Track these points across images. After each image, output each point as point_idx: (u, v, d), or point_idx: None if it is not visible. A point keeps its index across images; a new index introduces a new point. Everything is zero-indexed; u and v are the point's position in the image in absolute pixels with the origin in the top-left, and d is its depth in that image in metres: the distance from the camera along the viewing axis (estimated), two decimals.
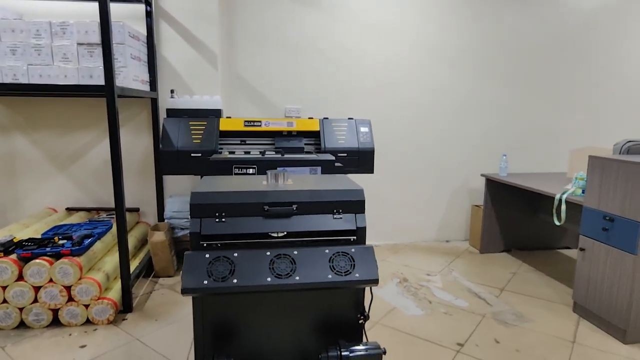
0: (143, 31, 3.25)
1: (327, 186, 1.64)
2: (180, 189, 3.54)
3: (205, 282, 1.40)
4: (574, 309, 2.79)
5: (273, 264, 1.46)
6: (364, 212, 1.61)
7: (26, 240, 2.51)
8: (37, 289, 2.42)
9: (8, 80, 2.66)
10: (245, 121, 3.08)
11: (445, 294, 3.03)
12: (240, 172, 2.61)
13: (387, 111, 3.98)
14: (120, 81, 2.76)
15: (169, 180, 3.53)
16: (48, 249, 2.44)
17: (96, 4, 3.13)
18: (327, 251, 1.51)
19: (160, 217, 3.52)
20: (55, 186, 3.44)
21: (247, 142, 3.11)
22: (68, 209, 3.44)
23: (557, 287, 3.17)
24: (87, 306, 2.50)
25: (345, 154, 3.07)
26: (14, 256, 2.41)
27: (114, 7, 3.20)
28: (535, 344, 2.39)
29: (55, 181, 3.44)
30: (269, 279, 1.43)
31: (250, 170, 2.61)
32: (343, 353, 1.52)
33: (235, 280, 1.41)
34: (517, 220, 3.94)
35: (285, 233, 1.54)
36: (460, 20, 3.94)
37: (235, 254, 1.46)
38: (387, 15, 3.83)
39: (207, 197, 1.51)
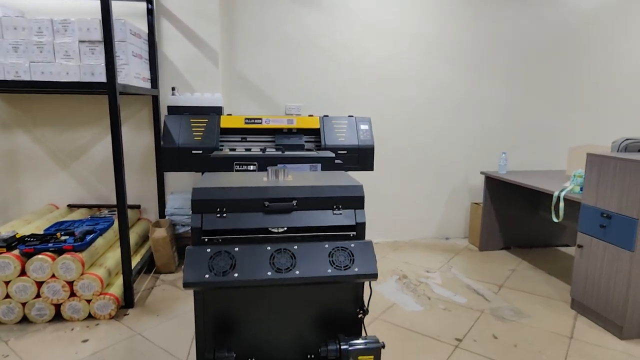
0: (144, 29, 3.27)
1: (326, 182, 1.66)
2: (181, 185, 3.56)
3: (207, 276, 1.42)
4: (571, 306, 2.82)
5: (273, 259, 1.48)
6: (363, 208, 1.63)
7: (29, 236, 2.54)
8: (39, 284, 2.44)
9: (10, 77, 2.68)
10: (246, 118, 3.09)
11: (445, 290, 3.06)
12: (241, 169, 2.63)
13: (387, 109, 4.00)
14: (122, 78, 2.78)
15: (170, 177, 3.55)
16: (50, 245, 2.47)
17: (98, 2, 3.15)
18: (326, 246, 1.53)
19: (162, 214, 3.54)
20: (57, 183, 3.47)
21: (248, 139, 3.13)
22: (70, 206, 3.47)
23: (555, 284, 3.19)
24: (89, 301, 2.52)
25: (346, 152, 3.08)
26: (16, 252, 2.44)
27: (115, 5, 3.21)
28: (532, 340, 2.42)
29: (57, 178, 3.46)
30: (269, 274, 1.45)
31: (251, 167, 2.63)
32: (342, 347, 1.54)
33: (236, 275, 1.43)
34: (516, 218, 3.96)
35: (286, 228, 1.56)
36: (459, 19, 3.96)
37: (236, 249, 1.48)
38: (387, 14, 3.85)
39: (209, 192, 1.53)
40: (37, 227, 2.85)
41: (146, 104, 3.44)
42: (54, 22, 2.69)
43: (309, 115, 3.30)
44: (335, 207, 1.60)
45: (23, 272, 2.43)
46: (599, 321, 2.59)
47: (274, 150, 2.97)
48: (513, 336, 2.45)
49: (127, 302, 2.69)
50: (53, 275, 2.44)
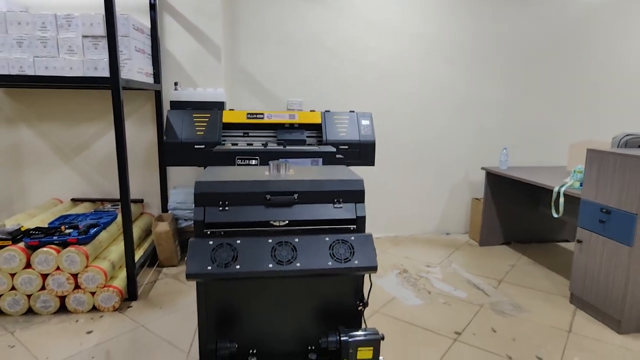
0: (147, 24, 3.28)
1: (327, 176, 1.68)
2: (184, 180, 3.59)
3: (209, 267, 1.44)
4: (570, 300, 2.84)
5: (275, 251, 1.50)
6: (363, 202, 1.65)
7: (33, 229, 2.57)
8: (44, 276, 2.48)
9: (15, 72, 2.70)
10: (248, 114, 3.11)
11: (445, 285, 3.08)
12: (242, 163, 2.66)
13: (388, 105, 4.01)
14: (125, 73, 2.80)
15: (173, 172, 3.58)
16: (55, 238, 2.50)
17: None
18: (327, 239, 1.55)
19: (164, 208, 3.57)
20: (61, 177, 3.50)
21: (250, 134, 3.15)
22: (73, 200, 3.50)
23: (555, 279, 3.21)
24: (93, 294, 2.56)
25: (347, 147, 3.10)
26: (21, 244, 2.47)
27: (118, 0, 3.23)
28: (531, 334, 2.44)
29: (60, 172, 3.49)
30: (270, 266, 1.47)
31: (253, 162, 2.66)
32: (342, 338, 1.56)
33: (238, 266, 1.46)
34: (517, 213, 3.97)
35: (287, 222, 1.58)
36: (460, 17, 3.96)
37: (238, 241, 1.51)
38: (389, 12, 3.85)
39: (211, 186, 1.56)
40: (42, 220, 2.89)
41: (149, 99, 3.46)
42: (57, 17, 2.71)
43: (311, 111, 3.31)
44: (336, 200, 1.62)
45: (28, 265, 2.46)
46: (597, 316, 2.61)
47: (276, 145, 2.99)
48: (512, 330, 2.48)
49: (131, 294, 2.73)
50: (58, 268, 2.48)
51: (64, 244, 2.51)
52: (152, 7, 3.27)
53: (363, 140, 3.12)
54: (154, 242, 3.26)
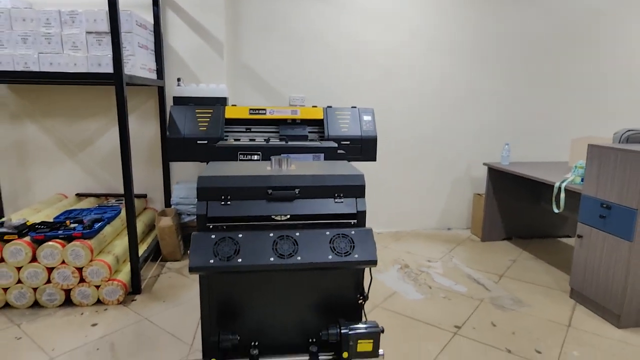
0: (150, 20, 3.30)
1: (328, 171, 1.70)
2: (187, 175, 3.62)
3: (212, 261, 1.47)
4: (570, 295, 2.85)
5: (276, 245, 1.53)
6: (364, 196, 1.67)
7: (39, 224, 2.61)
8: (50, 270, 2.52)
9: (20, 68, 2.73)
10: (251, 109, 3.13)
11: (445, 279, 3.10)
12: (245, 158, 2.68)
13: (390, 100, 4.02)
14: (128, 69, 2.82)
15: (176, 167, 3.61)
16: (60, 232, 2.53)
17: None
18: (327, 233, 1.57)
19: (168, 203, 3.60)
20: (66, 173, 3.53)
21: (252, 129, 3.17)
22: (78, 195, 3.53)
23: (555, 274, 3.23)
24: (97, 287, 2.59)
25: (349, 142, 3.12)
26: (27, 238, 2.50)
27: None
28: (531, 328, 2.46)
29: (65, 168, 3.52)
30: (272, 259, 1.50)
31: (255, 157, 2.68)
32: (343, 331, 1.59)
33: (239, 260, 1.48)
34: (518, 209, 3.98)
35: (288, 216, 1.60)
36: (462, 11, 3.95)
37: (240, 235, 1.53)
38: (390, 7, 3.85)
39: (214, 180, 1.58)
40: (47, 215, 2.92)
41: (152, 94, 3.48)
42: (61, 14, 2.73)
43: (313, 106, 3.33)
44: (336, 195, 1.64)
45: (34, 259, 2.50)
46: (597, 310, 2.63)
47: (278, 140, 3.01)
48: (511, 324, 2.50)
49: (135, 288, 2.76)
50: (63, 262, 2.51)
51: (69, 238, 2.54)
52: (155, 3, 3.29)
53: (365, 135, 3.13)
54: (157, 236, 3.29)
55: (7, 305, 2.56)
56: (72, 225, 2.63)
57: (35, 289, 2.53)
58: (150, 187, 3.63)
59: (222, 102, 3.24)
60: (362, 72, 3.93)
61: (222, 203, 1.58)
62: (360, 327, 1.61)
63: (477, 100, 4.14)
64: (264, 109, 3.14)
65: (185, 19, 3.40)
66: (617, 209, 2.41)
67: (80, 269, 2.54)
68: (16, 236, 2.49)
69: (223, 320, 1.64)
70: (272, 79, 3.83)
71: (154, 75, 3.30)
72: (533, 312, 2.64)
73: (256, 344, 1.67)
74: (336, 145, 2.74)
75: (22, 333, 2.30)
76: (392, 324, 2.48)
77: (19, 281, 2.50)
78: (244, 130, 3.16)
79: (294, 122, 3.21)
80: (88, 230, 2.57)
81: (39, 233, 2.51)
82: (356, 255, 1.54)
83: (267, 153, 2.69)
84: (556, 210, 2.96)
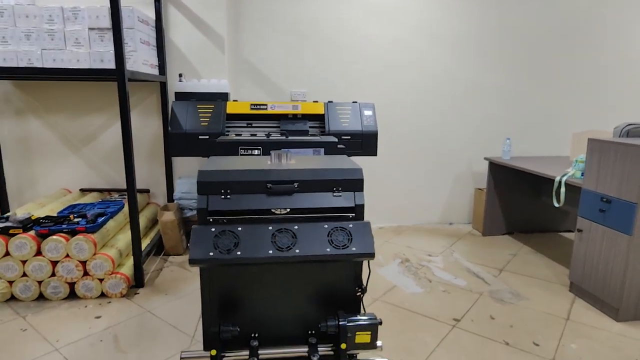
0: (152, 16, 3.32)
1: (327, 165, 1.71)
2: (189, 170, 3.65)
3: (212, 253, 1.49)
4: (570, 289, 2.87)
5: (275, 238, 1.55)
6: (362, 190, 1.68)
7: (43, 218, 2.64)
8: (54, 263, 2.56)
9: (23, 64, 2.76)
10: (252, 104, 3.15)
11: (445, 273, 3.12)
12: (246, 153, 2.70)
13: (391, 95, 4.02)
14: (131, 65, 2.84)
15: (178, 162, 3.64)
16: (64, 226, 2.57)
17: None
18: (325, 226, 1.59)
19: (170, 198, 3.64)
20: (69, 168, 3.57)
21: (253, 124, 3.19)
22: (82, 190, 3.57)
23: (555, 269, 3.24)
24: (101, 280, 2.63)
25: (349, 137, 3.13)
26: (32, 232, 2.54)
27: None
28: (529, 320, 2.48)
29: (69, 163, 3.56)
30: (270, 252, 1.52)
31: (256, 152, 2.70)
32: (341, 323, 1.61)
33: (239, 253, 1.51)
34: (519, 203, 3.99)
35: (288, 210, 1.63)
36: (464, 5, 3.94)
37: (240, 228, 1.55)
38: (392, 0, 3.86)
39: (214, 175, 1.60)
40: (51, 209, 2.96)
41: (154, 90, 3.50)
42: (64, 10, 2.75)
43: (314, 101, 3.34)
44: (335, 189, 1.66)
45: (39, 252, 2.54)
46: (595, 304, 2.64)
47: (279, 135, 3.03)
48: (510, 317, 2.52)
49: (138, 281, 2.80)
50: (67, 255, 2.55)
51: (73, 232, 2.58)
52: None
53: (365, 130, 3.15)
54: (159, 231, 3.33)
55: (12, 297, 2.60)
56: (76, 220, 2.67)
57: (40, 282, 2.57)
58: (152, 182, 3.66)
59: (223, 97, 3.26)
60: (364, 66, 3.94)
61: (223, 197, 1.60)
62: (359, 319, 1.63)
63: (478, 94, 4.14)
64: (265, 104, 3.16)
65: (186, 15, 3.42)
66: (617, 202, 2.42)
67: (84, 263, 2.58)
68: (21, 230, 2.53)
69: (223, 312, 1.67)
70: (273, 74, 3.84)
71: (155, 71, 3.32)
72: (532, 306, 2.66)
73: (256, 335, 1.69)
74: (336, 139, 2.76)
75: (28, 325, 2.35)
76: (391, 316, 2.51)
77: (24, 274, 2.54)
78: (245, 125, 3.18)
79: (295, 117, 3.23)
80: (91, 225, 2.60)
81: (43, 227, 2.54)
82: (354, 248, 1.56)
83: (267, 148, 2.71)
84: (556, 205, 2.97)
